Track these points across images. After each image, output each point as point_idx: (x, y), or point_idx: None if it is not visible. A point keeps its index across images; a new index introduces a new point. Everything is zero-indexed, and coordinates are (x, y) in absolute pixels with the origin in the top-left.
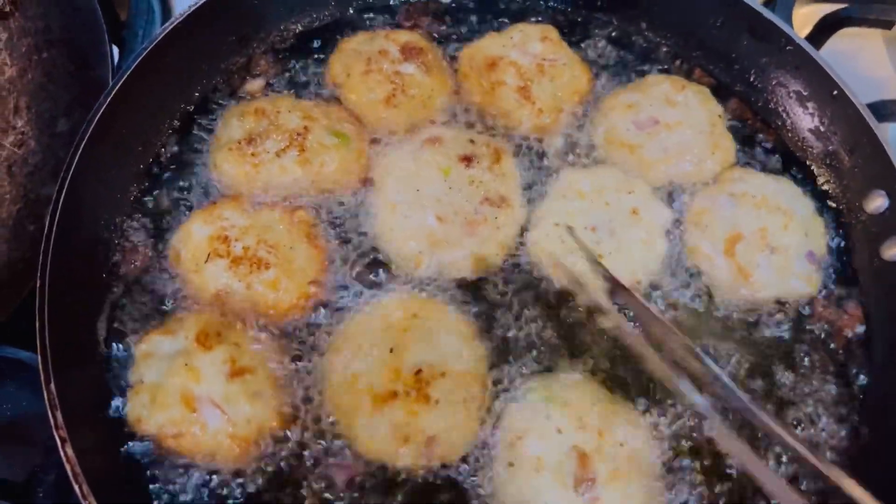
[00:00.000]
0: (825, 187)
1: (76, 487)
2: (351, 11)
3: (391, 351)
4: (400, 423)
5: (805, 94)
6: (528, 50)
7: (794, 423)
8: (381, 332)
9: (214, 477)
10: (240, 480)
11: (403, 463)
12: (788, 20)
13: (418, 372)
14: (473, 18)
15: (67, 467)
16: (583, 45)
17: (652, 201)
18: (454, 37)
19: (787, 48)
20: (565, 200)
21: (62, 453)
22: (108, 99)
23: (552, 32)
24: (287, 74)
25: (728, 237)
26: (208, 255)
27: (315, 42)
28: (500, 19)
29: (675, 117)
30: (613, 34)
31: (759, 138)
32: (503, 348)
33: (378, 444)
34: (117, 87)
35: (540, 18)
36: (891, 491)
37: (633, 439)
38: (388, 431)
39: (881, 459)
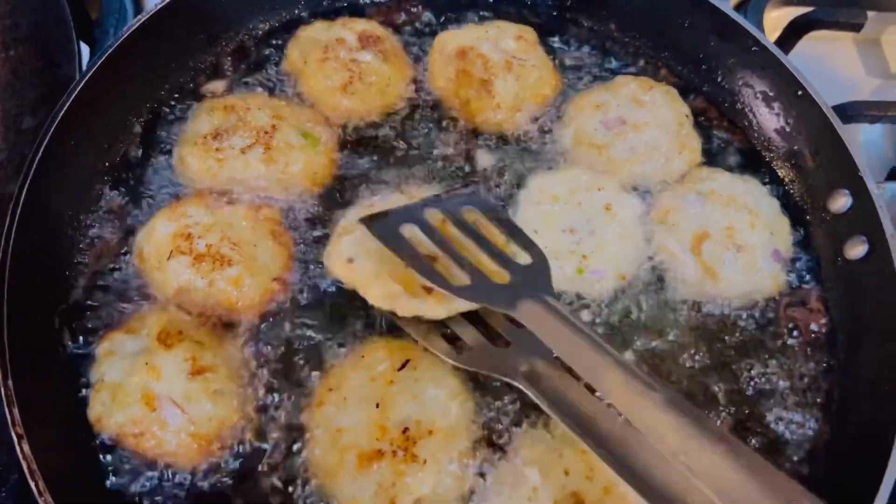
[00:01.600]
0: (790, 187)
1: (32, 484)
2: (320, 9)
3: (377, 406)
4: (386, 484)
5: (771, 94)
6: (500, 45)
7: (759, 418)
8: (367, 384)
9: (176, 475)
10: (201, 478)
11: None
12: (759, 23)
13: (405, 430)
14: (443, 12)
15: (24, 464)
16: (552, 43)
17: (621, 195)
18: (426, 29)
19: (753, 49)
20: (539, 206)
21: (18, 450)
22: (73, 96)
23: (528, 33)
24: (254, 73)
25: (695, 235)
26: (171, 252)
27: (283, 41)
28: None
29: (643, 117)
30: (582, 34)
31: (726, 138)
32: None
33: None
34: (82, 85)
35: (510, 12)
36: (855, 484)
37: None
38: (372, 492)
39: (844, 454)
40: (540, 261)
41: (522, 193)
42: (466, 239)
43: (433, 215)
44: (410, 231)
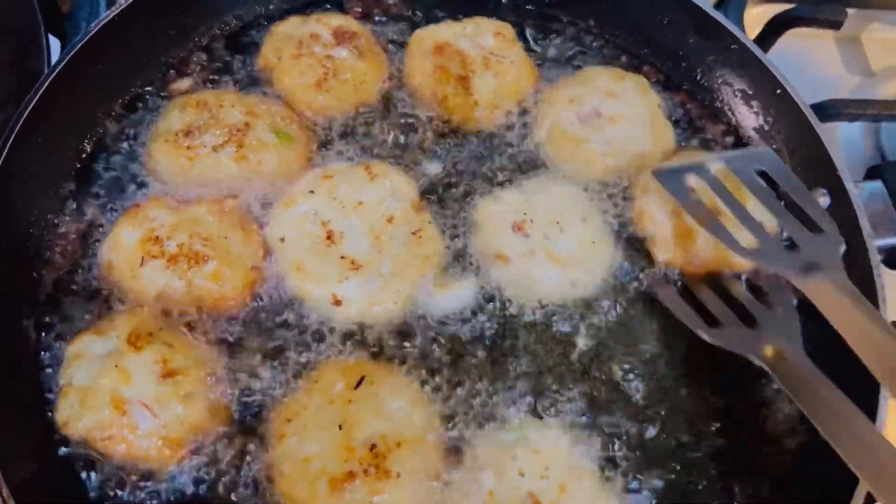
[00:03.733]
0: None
1: None
2: (295, 4)
3: (340, 428)
4: None
5: (750, 92)
6: (478, 42)
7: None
8: (326, 407)
9: (147, 479)
10: (172, 482)
11: None
12: (740, 20)
13: (373, 447)
14: (421, 7)
15: None
16: (530, 39)
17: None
18: (403, 25)
19: (733, 47)
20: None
21: None
22: (40, 92)
23: (507, 30)
24: (227, 69)
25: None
26: (142, 258)
27: (257, 36)
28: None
29: (617, 109)
30: (562, 30)
31: (706, 136)
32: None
33: None
34: (50, 79)
35: (489, 8)
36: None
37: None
38: None
39: None
40: (833, 235)
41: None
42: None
43: (722, 171)
44: (697, 183)
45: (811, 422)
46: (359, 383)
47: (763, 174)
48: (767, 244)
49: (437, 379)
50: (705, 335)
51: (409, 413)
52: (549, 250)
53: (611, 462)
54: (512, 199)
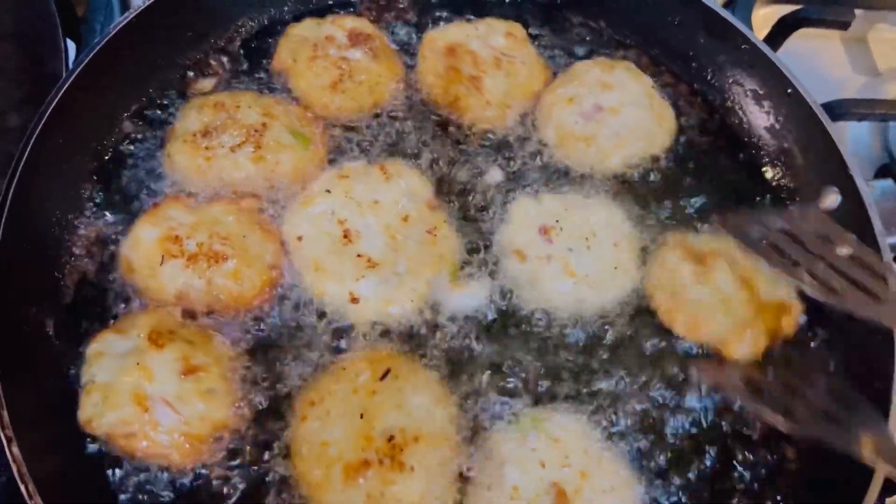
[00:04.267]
0: (780, 183)
1: (22, 487)
2: (310, 7)
3: (361, 417)
4: (375, 494)
5: (761, 92)
6: (489, 42)
7: None
8: (350, 396)
9: (169, 476)
10: (194, 478)
11: None
12: (748, 21)
13: (391, 439)
14: (434, 9)
15: (14, 467)
16: (542, 40)
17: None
18: (416, 27)
19: (743, 47)
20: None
21: (8, 453)
22: (60, 94)
23: (518, 30)
24: (244, 71)
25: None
26: (162, 257)
27: (273, 38)
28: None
29: (616, 99)
30: (573, 30)
31: (717, 136)
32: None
33: None
34: (69, 83)
35: (500, 9)
36: None
37: (617, 487)
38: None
39: None
40: None
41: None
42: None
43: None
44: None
45: None
46: (384, 375)
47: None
48: (856, 293)
49: (452, 374)
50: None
51: (430, 410)
52: (567, 262)
53: (624, 439)
54: (552, 203)
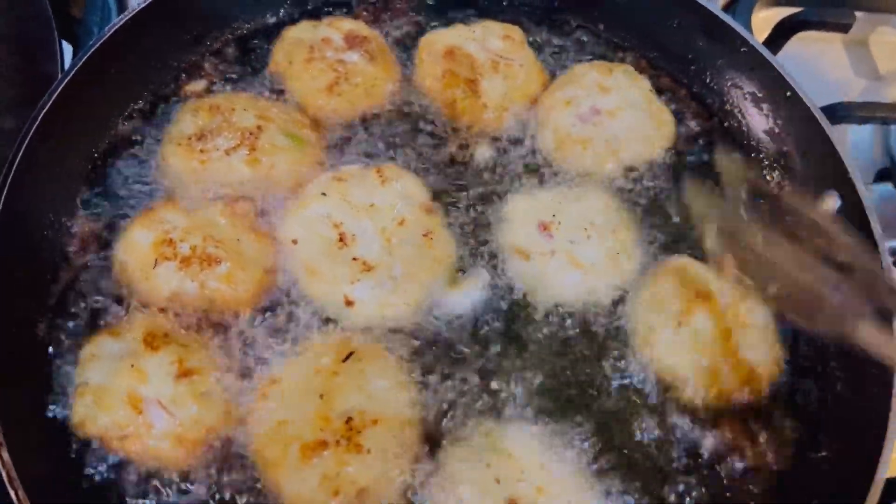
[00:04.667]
0: (779, 188)
1: (11, 493)
2: (308, 8)
3: (321, 397)
4: (330, 475)
5: (760, 95)
6: (486, 45)
7: None
8: (311, 376)
9: (162, 479)
10: (188, 482)
11: None
12: (748, 23)
13: (349, 420)
14: (431, 11)
15: (3, 472)
16: (539, 42)
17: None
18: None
19: (742, 49)
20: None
21: None
22: (54, 96)
23: (516, 33)
24: (239, 74)
25: None
26: (155, 260)
27: (269, 41)
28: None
29: (614, 102)
30: (571, 33)
31: (714, 139)
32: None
33: (307, 497)
34: (63, 84)
35: (498, 12)
36: None
37: (574, 502)
38: (316, 483)
39: None
40: None
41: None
42: None
43: None
44: None
45: None
46: (347, 357)
47: None
48: None
49: (430, 374)
50: None
51: (391, 394)
52: (570, 254)
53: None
54: (546, 199)
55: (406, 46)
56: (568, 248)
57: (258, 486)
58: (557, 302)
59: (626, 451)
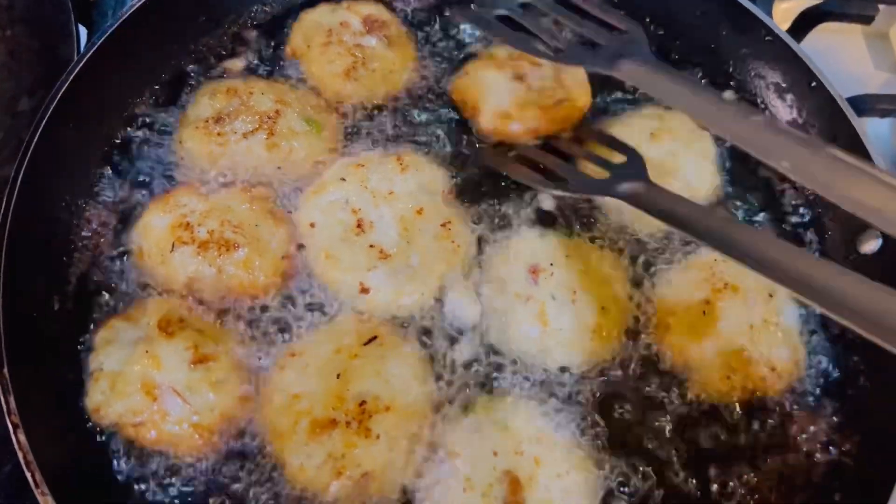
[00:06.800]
0: None
1: (28, 475)
2: None
3: (338, 377)
4: (336, 454)
5: (784, 85)
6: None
7: None
8: (332, 354)
9: (178, 466)
10: (203, 469)
11: (333, 497)
12: (769, 14)
13: (362, 403)
14: None
15: (20, 455)
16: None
17: None
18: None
19: (767, 39)
20: None
21: (14, 440)
22: (70, 78)
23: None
24: (257, 57)
25: None
26: (172, 244)
27: (287, 24)
28: None
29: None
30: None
31: None
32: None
33: (310, 473)
34: (80, 67)
35: None
36: None
37: (571, 472)
38: (322, 461)
39: None
40: (635, 31)
41: None
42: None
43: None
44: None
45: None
46: (370, 340)
47: None
48: (571, 48)
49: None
50: (552, 189)
51: (408, 383)
52: (543, 308)
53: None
54: (554, 246)
55: (425, 30)
56: (544, 302)
57: (274, 475)
58: (510, 346)
59: (621, 427)
